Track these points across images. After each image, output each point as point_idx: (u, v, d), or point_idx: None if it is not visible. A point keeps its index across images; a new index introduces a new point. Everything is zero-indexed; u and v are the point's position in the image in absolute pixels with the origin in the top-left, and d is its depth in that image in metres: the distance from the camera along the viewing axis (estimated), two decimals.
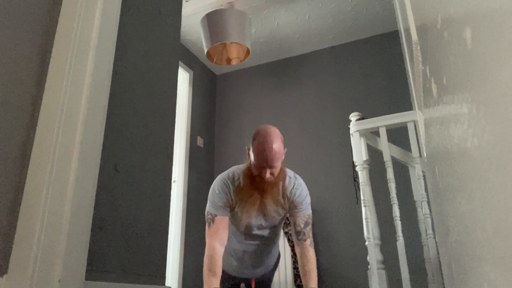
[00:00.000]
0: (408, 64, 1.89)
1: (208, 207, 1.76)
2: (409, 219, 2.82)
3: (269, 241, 1.87)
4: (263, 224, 1.79)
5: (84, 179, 0.99)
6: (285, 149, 1.72)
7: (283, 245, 3.21)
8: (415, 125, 2.18)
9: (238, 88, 4.39)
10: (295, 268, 3.18)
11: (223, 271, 1.82)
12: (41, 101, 1.01)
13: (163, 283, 1.31)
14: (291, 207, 1.79)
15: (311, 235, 1.78)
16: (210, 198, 1.76)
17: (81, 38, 1.07)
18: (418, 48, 0.99)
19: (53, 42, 1.07)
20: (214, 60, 3.57)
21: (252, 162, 1.68)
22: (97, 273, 1.04)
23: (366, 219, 2.20)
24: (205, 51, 3.37)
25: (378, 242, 2.15)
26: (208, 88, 4.38)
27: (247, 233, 1.81)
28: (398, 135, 2.69)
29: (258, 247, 1.85)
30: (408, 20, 1.24)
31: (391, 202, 2.17)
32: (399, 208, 2.17)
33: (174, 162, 2.90)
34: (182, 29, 3.71)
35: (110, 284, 1.07)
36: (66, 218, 0.92)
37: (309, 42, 4.01)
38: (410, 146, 2.20)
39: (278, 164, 1.66)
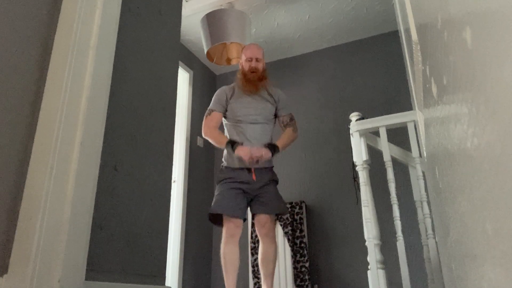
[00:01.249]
0: (408, 64, 1.89)
1: (210, 106, 2.45)
2: (409, 219, 2.82)
3: (263, 127, 2.40)
4: (257, 111, 2.38)
5: (84, 179, 0.99)
6: (263, 50, 2.51)
7: (283, 245, 3.21)
8: (415, 125, 2.18)
9: None
10: (295, 268, 3.19)
11: (228, 168, 2.32)
12: (41, 101, 1.01)
13: (163, 283, 1.31)
14: (277, 105, 2.45)
15: (296, 127, 2.49)
16: (212, 100, 2.45)
17: (81, 38, 1.07)
18: (418, 48, 0.99)
19: (53, 42, 1.07)
20: (214, 60, 3.57)
21: (243, 64, 2.43)
22: (97, 273, 1.04)
23: (366, 219, 2.20)
24: (205, 51, 3.37)
25: (378, 242, 2.15)
26: (208, 88, 4.38)
27: (245, 120, 2.36)
28: (398, 135, 2.69)
29: (255, 132, 2.36)
30: (408, 20, 1.24)
31: (391, 202, 2.17)
32: (399, 208, 2.17)
33: (174, 162, 2.90)
34: (182, 29, 3.71)
35: (110, 284, 1.07)
36: (66, 218, 0.92)
37: (309, 42, 4.01)
38: (410, 146, 2.20)
39: (261, 57, 2.43)
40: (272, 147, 2.30)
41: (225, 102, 2.41)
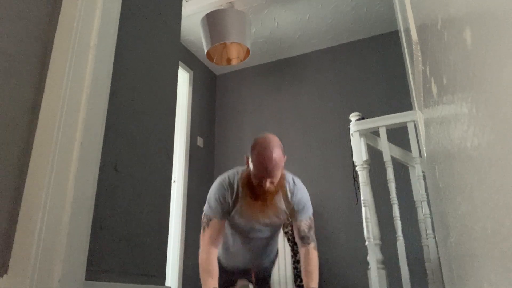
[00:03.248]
0: (408, 64, 1.89)
1: (205, 209, 1.78)
2: (409, 219, 2.82)
3: (268, 241, 1.91)
4: (262, 228, 1.82)
5: (84, 179, 0.99)
6: (285, 157, 1.72)
7: (283, 245, 3.21)
8: (415, 125, 2.18)
9: (238, 88, 4.39)
10: (295, 268, 3.19)
11: (221, 266, 1.86)
12: (41, 101, 1.01)
13: (163, 283, 1.32)
14: (293, 212, 1.79)
15: (314, 238, 1.81)
16: (208, 200, 1.77)
17: (81, 38, 1.07)
18: (418, 48, 0.99)
19: (53, 42, 1.07)
20: (214, 60, 3.57)
21: (251, 171, 1.67)
22: (97, 273, 1.04)
23: (366, 219, 2.20)
24: (205, 51, 3.37)
25: (378, 242, 2.15)
26: (208, 88, 4.38)
27: (246, 235, 1.83)
28: (398, 135, 2.69)
29: (257, 246, 1.88)
30: (408, 20, 1.24)
31: (391, 202, 2.17)
32: (399, 208, 2.17)
33: (174, 162, 2.90)
34: (182, 29, 3.71)
35: (110, 284, 1.07)
36: (66, 218, 0.92)
37: (309, 42, 4.01)
38: (410, 146, 2.20)
39: (278, 173, 1.64)
40: None
41: (228, 206, 1.76)
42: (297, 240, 1.82)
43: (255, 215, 1.73)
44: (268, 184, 1.63)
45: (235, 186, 1.74)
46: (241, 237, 1.84)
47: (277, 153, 1.62)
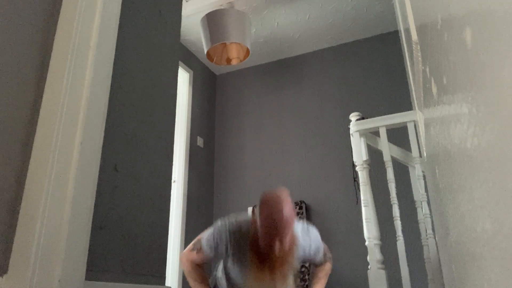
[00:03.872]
0: (408, 64, 1.89)
1: (203, 241, 1.69)
2: (409, 219, 2.82)
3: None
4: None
5: (84, 179, 0.99)
6: (296, 214, 1.57)
7: None
8: (415, 125, 2.18)
9: (238, 88, 4.39)
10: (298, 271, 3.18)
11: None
12: (41, 101, 1.01)
13: (163, 283, 1.32)
14: (308, 261, 1.75)
15: (330, 256, 1.81)
16: (208, 238, 1.68)
17: (81, 38, 1.07)
18: (418, 48, 0.99)
19: (53, 42, 1.07)
20: (214, 60, 3.57)
21: (259, 234, 1.48)
22: (97, 273, 1.04)
23: (366, 219, 2.20)
24: (205, 51, 3.37)
25: (378, 242, 2.15)
26: (208, 88, 4.38)
27: None
28: (398, 135, 2.69)
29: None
30: (408, 20, 1.24)
31: (391, 202, 2.17)
32: (399, 208, 2.17)
33: (174, 162, 2.90)
34: (182, 29, 3.71)
35: (110, 284, 1.07)
36: (66, 218, 0.92)
37: (309, 42, 4.01)
38: (410, 146, 2.20)
39: (288, 232, 1.44)
40: None
41: (219, 255, 1.69)
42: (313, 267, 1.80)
43: (263, 277, 1.54)
44: (278, 247, 1.43)
45: (234, 237, 1.61)
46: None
47: (287, 210, 1.43)
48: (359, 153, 2.31)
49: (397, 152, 2.39)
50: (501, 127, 0.27)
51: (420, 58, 0.96)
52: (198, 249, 1.69)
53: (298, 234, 1.61)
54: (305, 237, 1.64)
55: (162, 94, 1.49)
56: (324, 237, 3.45)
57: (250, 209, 3.64)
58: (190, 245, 1.73)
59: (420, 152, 2.13)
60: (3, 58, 0.94)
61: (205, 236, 1.70)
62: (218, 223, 1.72)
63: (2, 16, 0.95)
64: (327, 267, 1.79)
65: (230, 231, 1.62)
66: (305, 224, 1.72)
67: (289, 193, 1.52)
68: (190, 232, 3.59)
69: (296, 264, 1.63)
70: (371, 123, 2.33)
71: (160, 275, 1.30)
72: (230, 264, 1.66)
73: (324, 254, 1.78)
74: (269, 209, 1.43)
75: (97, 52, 1.09)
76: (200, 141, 4.02)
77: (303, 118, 3.93)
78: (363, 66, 3.84)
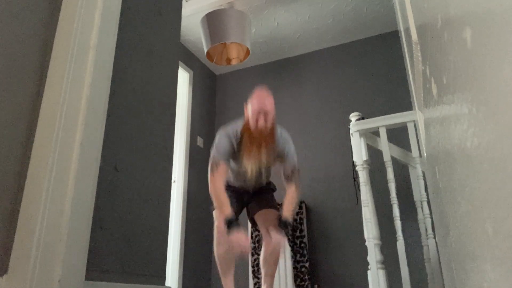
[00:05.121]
0: (408, 64, 1.89)
1: (214, 154, 2.18)
2: (409, 219, 2.82)
3: (263, 176, 2.32)
4: (259, 166, 2.23)
5: (84, 179, 0.99)
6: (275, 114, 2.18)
7: (283, 245, 3.21)
8: (415, 125, 2.18)
9: (238, 88, 4.39)
10: (295, 268, 3.19)
11: (228, 187, 2.25)
12: (41, 101, 1.01)
13: (163, 283, 1.32)
14: (280, 155, 2.21)
15: (298, 182, 2.23)
16: (217, 147, 2.18)
17: (81, 38, 1.07)
18: (418, 48, 0.99)
19: (53, 42, 1.07)
20: (214, 60, 3.57)
21: (250, 114, 2.12)
22: (97, 273, 1.04)
23: (366, 219, 2.20)
24: (205, 51, 3.37)
25: (378, 242, 2.15)
26: (208, 88, 4.38)
27: (246, 164, 2.22)
28: (398, 135, 2.69)
29: (255, 180, 2.30)
30: (408, 20, 1.24)
31: (391, 202, 2.17)
32: (399, 208, 2.17)
33: (174, 162, 2.90)
34: (182, 29, 3.71)
35: (110, 284, 1.07)
36: (66, 218, 0.92)
37: (309, 42, 4.01)
38: (410, 146, 2.20)
39: (270, 113, 2.09)
40: (283, 224, 2.12)
41: (231, 151, 2.18)
42: (283, 179, 2.24)
43: (253, 157, 2.15)
44: (262, 121, 2.07)
45: (238, 133, 2.17)
46: (242, 175, 2.26)
47: (270, 98, 2.15)
48: (359, 153, 2.31)
49: (397, 152, 2.39)
50: (501, 127, 0.27)
51: (420, 58, 0.96)
52: (217, 165, 2.16)
53: (277, 129, 2.20)
54: (283, 134, 2.23)
55: (162, 94, 1.49)
56: (325, 237, 3.45)
57: None
58: (209, 172, 2.19)
59: (420, 152, 2.13)
60: (3, 58, 0.94)
61: (215, 153, 2.17)
62: (220, 133, 2.22)
63: (2, 16, 0.95)
64: (293, 193, 2.18)
65: (233, 130, 2.19)
66: (283, 130, 2.28)
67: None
68: (190, 232, 3.59)
69: (276, 151, 2.18)
70: (371, 123, 2.33)
71: (160, 275, 1.30)
72: (234, 156, 2.18)
73: (294, 166, 2.23)
74: (257, 95, 2.15)
75: (97, 52, 1.09)
76: (200, 141, 4.02)
77: (303, 118, 3.93)
78: (363, 66, 3.84)
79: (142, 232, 1.25)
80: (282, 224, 2.12)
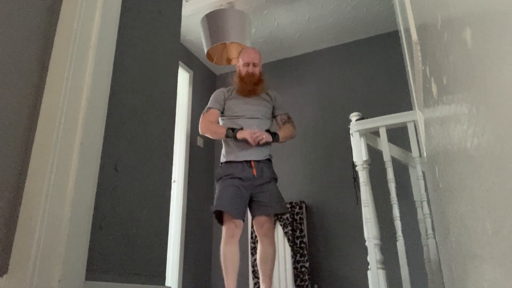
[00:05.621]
0: (408, 64, 1.89)
1: (209, 103, 2.46)
2: (409, 219, 2.82)
3: (261, 125, 2.42)
4: (255, 107, 2.44)
5: (84, 179, 0.99)
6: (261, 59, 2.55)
7: (283, 245, 3.21)
8: (415, 125, 2.18)
9: None
10: (295, 268, 3.19)
11: (227, 164, 2.34)
12: (41, 101, 1.01)
13: (163, 283, 1.32)
14: (274, 104, 2.53)
15: (294, 125, 2.55)
16: (212, 99, 2.48)
17: (81, 38, 1.07)
18: (418, 48, 0.99)
19: (53, 42, 1.07)
20: (214, 60, 3.57)
21: (240, 68, 2.48)
22: (97, 273, 1.04)
23: (366, 219, 2.20)
24: (205, 51, 3.37)
25: (378, 242, 2.15)
26: (208, 88, 4.38)
27: (243, 115, 2.40)
28: (398, 135, 2.69)
29: (253, 126, 2.39)
30: (408, 20, 1.24)
31: (391, 202, 2.17)
32: (399, 208, 2.17)
33: (174, 162, 2.90)
34: (182, 29, 3.71)
35: (110, 284, 1.07)
36: (66, 218, 0.92)
37: (309, 42, 4.01)
38: (410, 146, 2.20)
39: (258, 62, 2.47)
40: (273, 134, 2.36)
41: (223, 101, 2.45)
42: (279, 127, 2.51)
43: (247, 99, 2.43)
44: (251, 68, 2.43)
45: (230, 89, 2.51)
46: (239, 120, 2.39)
47: (258, 53, 2.52)
48: (359, 153, 2.31)
49: (397, 152, 2.39)
50: (501, 127, 0.27)
51: (420, 58, 0.96)
52: (208, 109, 2.44)
53: (267, 84, 2.56)
54: (274, 91, 2.61)
55: (162, 94, 1.49)
56: (325, 237, 3.45)
57: None
58: (200, 118, 2.46)
59: (420, 152, 2.13)
60: (3, 58, 0.94)
61: (209, 101, 2.48)
62: (215, 92, 2.54)
63: (2, 16, 0.95)
64: (289, 127, 2.49)
65: (224, 88, 2.54)
66: None
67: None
68: (190, 232, 3.59)
69: (269, 103, 2.51)
70: (371, 123, 2.33)
71: (160, 275, 1.30)
72: (228, 105, 2.45)
73: (288, 115, 2.56)
74: (246, 50, 2.54)
75: (97, 52, 1.09)
76: (200, 141, 4.02)
77: (303, 118, 3.93)
78: (363, 66, 3.84)
79: (142, 232, 1.25)
80: (270, 132, 2.36)
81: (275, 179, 2.42)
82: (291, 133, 2.49)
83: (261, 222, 2.29)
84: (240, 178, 2.28)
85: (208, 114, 2.42)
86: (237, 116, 2.42)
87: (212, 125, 2.39)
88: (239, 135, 2.27)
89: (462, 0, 0.36)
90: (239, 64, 2.50)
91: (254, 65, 2.44)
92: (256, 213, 2.31)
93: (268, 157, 2.42)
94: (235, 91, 2.47)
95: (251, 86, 2.42)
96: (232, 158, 2.35)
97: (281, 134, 2.42)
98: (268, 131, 2.37)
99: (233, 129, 2.30)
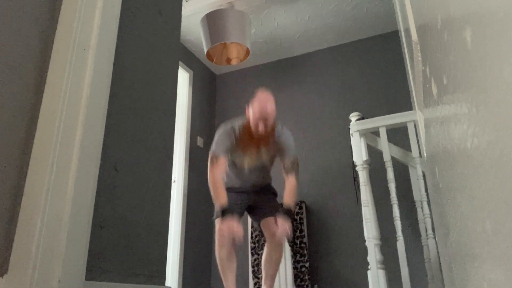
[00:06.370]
0: (408, 64, 1.89)
1: (214, 149, 2.27)
2: (409, 219, 2.82)
3: (262, 175, 2.41)
4: (257, 163, 2.33)
5: (84, 179, 0.99)
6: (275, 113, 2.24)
7: (283, 245, 3.21)
8: (415, 125, 2.18)
9: (238, 88, 4.39)
10: (295, 268, 3.19)
11: (230, 189, 2.32)
12: (41, 101, 1.01)
13: (163, 283, 1.31)
14: (280, 151, 2.31)
15: (298, 173, 2.33)
16: (217, 142, 2.27)
17: (81, 38, 1.07)
18: (418, 48, 0.99)
19: (53, 42, 1.07)
20: (214, 60, 3.57)
21: (250, 117, 2.21)
22: (97, 273, 1.04)
23: (366, 219, 2.20)
24: (205, 51, 3.37)
25: (378, 242, 2.15)
26: (208, 88, 4.38)
27: (244, 166, 2.33)
28: (398, 135, 2.69)
29: (255, 179, 2.39)
30: (408, 20, 1.24)
31: (391, 202, 2.17)
32: (399, 208, 2.17)
33: (174, 162, 2.90)
34: (182, 29, 3.70)
35: (110, 284, 1.07)
36: (66, 218, 0.92)
37: (309, 42, 4.01)
38: (410, 146, 2.20)
39: (270, 119, 2.17)
40: (288, 212, 2.20)
41: (231, 147, 2.27)
42: (284, 173, 2.31)
43: (251, 155, 2.28)
44: (261, 127, 2.15)
45: (237, 131, 2.26)
46: (242, 174, 2.34)
47: (271, 104, 2.19)
48: (359, 153, 2.31)
49: (397, 152, 2.39)
50: (501, 127, 0.27)
51: (420, 58, 0.96)
52: (216, 158, 2.24)
53: (278, 126, 2.31)
54: (284, 131, 2.33)
55: (162, 94, 1.49)
56: (325, 237, 3.45)
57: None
58: (209, 165, 2.27)
59: (420, 152, 2.13)
60: (3, 58, 0.94)
61: (215, 147, 2.26)
62: (221, 129, 2.31)
63: (2, 16, 0.95)
64: (293, 181, 2.27)
65: (233, 128, 2.27)
66: (285, 126, 2.39)
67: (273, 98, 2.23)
68: (190, 232, 3.59)
69: (275, 148, 2.30)
70: (371, 123, 2.33)
71: (160, 275, 1.30)
72: (233, 152, 2.28)
73: (294, 160, 2.31)
74: (259, 99, 2.20)
75: (97, 52, 1.09)
76: (200, 141, 4.02)
77: (303, 118, 3.93)
78: (363, 66, 3.84)
79: (142, 232, 1.25)
80: (286, 212, 2.18)
81: (275, 194, 2.49)
82: (296, 190, 2.29)
83: (269, 223, 2.31)
84: (238, 192, 2.39)
85: (218, 165, 2.22)
86: (239, 164, 2.35)
87: (218, 186, 2.19)
88: (224, 223, 2.07)
89: (462, 0, 0.36)
90: (249, 112, 2.24)
91: (266, 120, 2.15)
92: (262, 216, 2.33)
93: (268, 183, 2.48)
94: (242, 134, 2.26)
95: (259, 141, 2.25)
96: (230, 186, 2.38)
97: (291, 201, 2.23)
98: (281, 205, 2.24)
99: (224, 211, 2.10)
